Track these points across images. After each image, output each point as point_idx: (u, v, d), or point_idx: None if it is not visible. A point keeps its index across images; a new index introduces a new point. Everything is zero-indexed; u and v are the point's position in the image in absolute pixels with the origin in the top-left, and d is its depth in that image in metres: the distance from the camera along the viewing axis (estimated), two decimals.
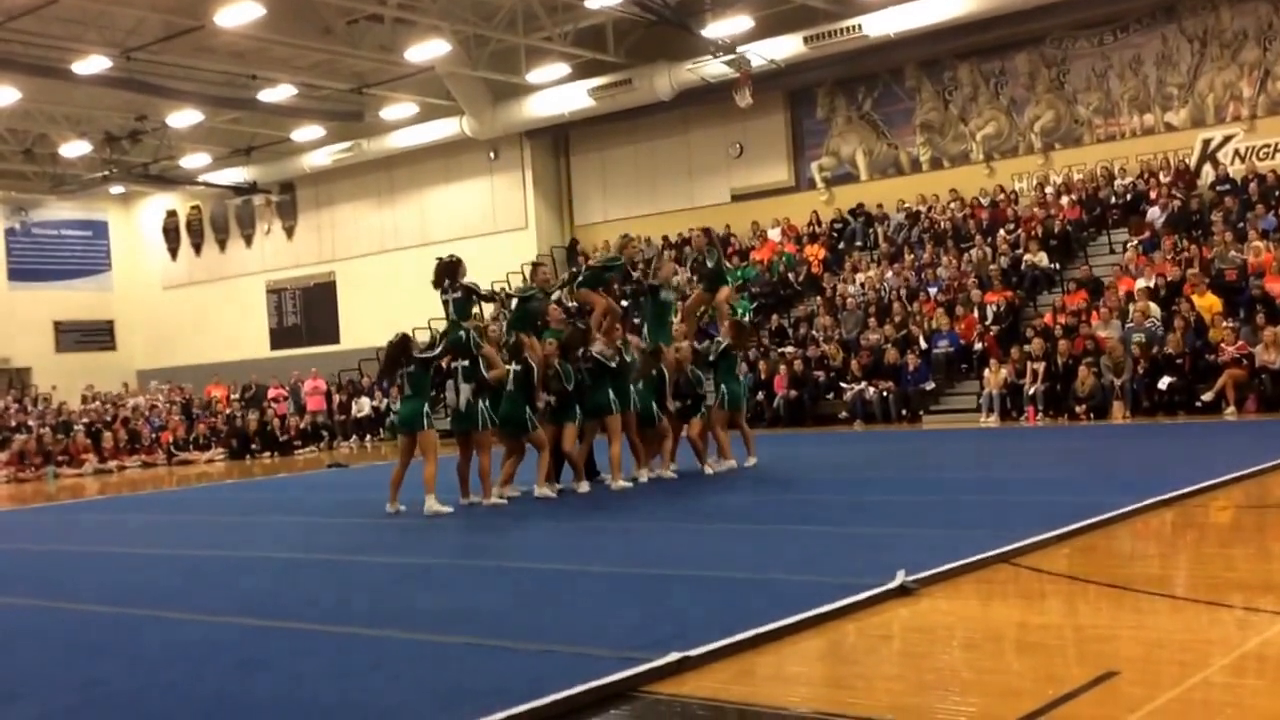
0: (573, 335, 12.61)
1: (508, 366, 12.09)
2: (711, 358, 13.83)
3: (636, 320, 14.89)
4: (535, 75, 27.08)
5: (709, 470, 13.39)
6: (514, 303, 13.49)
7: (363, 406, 29.08)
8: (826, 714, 4.69)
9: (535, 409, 12.20)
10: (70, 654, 6.51)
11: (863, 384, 21.94)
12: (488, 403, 11.96)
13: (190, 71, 26.67)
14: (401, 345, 11.87)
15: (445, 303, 12.38)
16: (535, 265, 13.94)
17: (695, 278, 14.46)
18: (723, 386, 13.69)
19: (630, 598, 7.11)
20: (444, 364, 12.49)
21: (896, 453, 16.68)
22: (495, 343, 12.60)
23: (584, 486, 12.60)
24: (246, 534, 12.04)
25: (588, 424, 12.77)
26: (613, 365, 12.54)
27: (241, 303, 36.96)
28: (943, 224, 25.36)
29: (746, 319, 20.98)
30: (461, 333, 11.97)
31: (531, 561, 8.81)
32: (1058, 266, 22.90)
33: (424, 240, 31.55)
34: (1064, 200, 24.12)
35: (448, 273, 12.33)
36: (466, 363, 11.78)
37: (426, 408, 11.72)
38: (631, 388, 12.78)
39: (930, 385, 21.57)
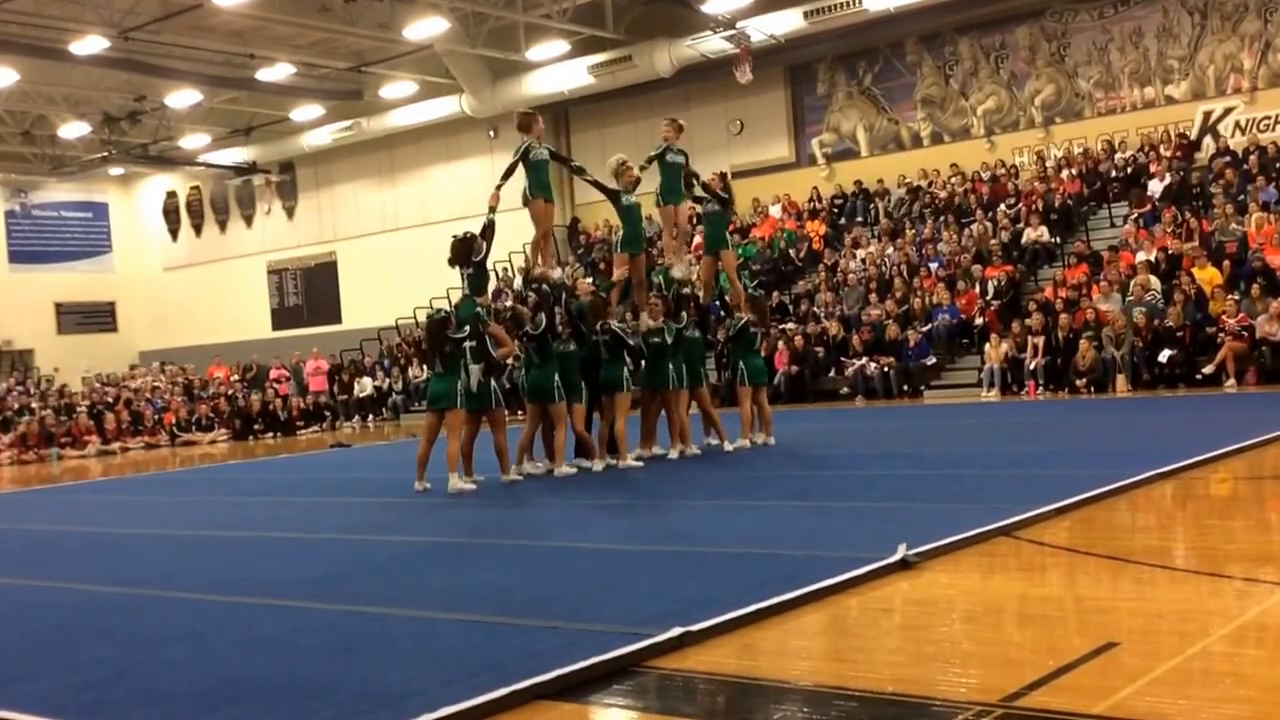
0: (594, 305, 12.63)
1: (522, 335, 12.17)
2: (731, 334, 13.85)
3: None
4: (534, 53, 27.00)
5: (728, 446, 13.45)
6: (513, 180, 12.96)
7: (365, 386, 29.13)
8: (828, 687, 4.71)
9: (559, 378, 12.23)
10: (75, 634, 6.53)
11: (864, 359, 21.97)
12: (509, 379, 12.05)
13: (188, 51, 26.62)
14: (444, 324, 11.80)
15: (463, 278, 12.37)
16: (523, 115, 13.41)
17: (705, 205, 14.38)
18: (740, 363, 13.71)
19: (633, 573, 7.14)
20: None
21: (897, 428, 16.69)
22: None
23: (599, 464, 12.61)
24: (249, 514, 12.06)
25: (604, 400, 12.77)
26: (631, 342, 12.56)
27: (242, 283, 36.96)
28: (943, 199, 25.32)
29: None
30: (479, 309, 11.92)
31: (535, 539, 8.83)
32: (1058, 240, 22.89)
33: (425, 220, 31.62)
34: (1064, 174, 24.10)
35: (464, 250, 12.29)
36: (474, 342, 11.75)
37: (460, 386, 11.63)
38: (670, 365, 12.81)
39: (931, 360, 21.59)
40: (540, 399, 12.35)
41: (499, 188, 12.50)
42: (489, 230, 12.49)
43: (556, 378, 12.21)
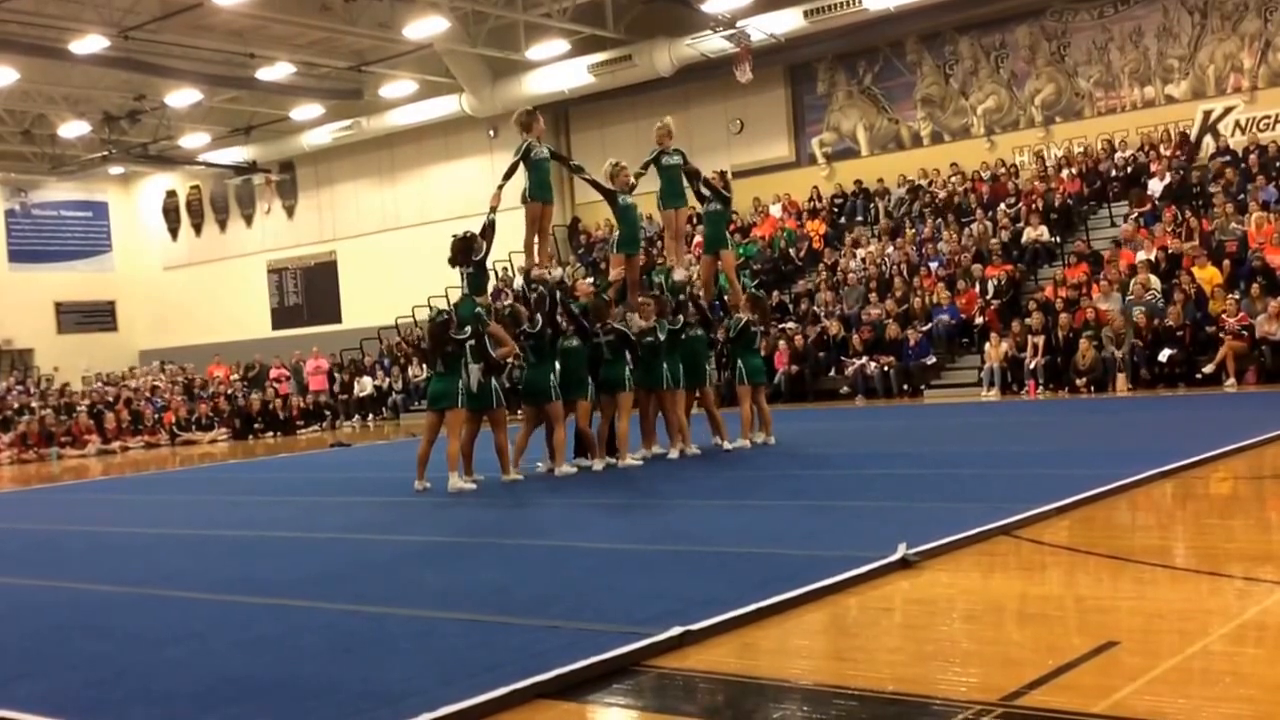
0: (596, 306, 12.63)
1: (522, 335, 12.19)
2: (731, 334, 13.86)
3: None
4: (534, 52, 27.01)
5: (727, 446, 13.45)
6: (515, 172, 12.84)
7: (365, 386, 29.13)
8: (828, 686, 4.72)
9: (555, 377, 12.26)
10: (75, 633, 6.53)
11: (864, 359, 21.96)
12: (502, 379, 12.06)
13: (188, 50, 26.61)
14: (446, 326, 11.79)
15: (463, 278, 12.38)
16: (524, 114, 13.33)
17: (705, 205, 14.44)
18: (740, 363, 13.72)
19: (633, 573, 7.14)
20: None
21: (897, 427, 16.70)
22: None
23: (599, 464, 12.60)
24: (250, 513, 12.06)
25: (604, 399, 12.76)
26: (632, 339, 12.58)
27: (242, 283, 36.96)
28: (943, 198, 25.32)
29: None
30: (479, 309, 11.91)
31: (535, 538, 8.84)
32: (1058, 240, 22.89)
33: (424, 219, 31.63)
34: (1064, 173, 24.10)
35: (464, 249, 12.28)
36: (474, 341, 11.74)
37: (461, 385, 11.61)
38: (665, 365, 12.84)
39: (931, 360, 21.59)
40: (536, 399, 12.36)
41: (500, 188, 12.49)
42: (489, 230, 12.48)
43: (552, 377, 12.23)
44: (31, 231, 36.94)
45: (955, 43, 26.08)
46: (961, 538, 7.11)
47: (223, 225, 37.77)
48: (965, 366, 21.68)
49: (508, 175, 12.67)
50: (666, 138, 13.69)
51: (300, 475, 16.75)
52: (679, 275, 13.63)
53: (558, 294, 12.60)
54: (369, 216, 34.12)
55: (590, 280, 15.05)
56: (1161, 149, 23.24)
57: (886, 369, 21.62)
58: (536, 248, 13.07)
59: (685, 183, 14.00)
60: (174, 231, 38.74)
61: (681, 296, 13.43)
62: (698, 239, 20.46)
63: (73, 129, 31.23)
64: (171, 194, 38.57)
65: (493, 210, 12.50)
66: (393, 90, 29.98)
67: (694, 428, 13.63)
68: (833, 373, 22.52)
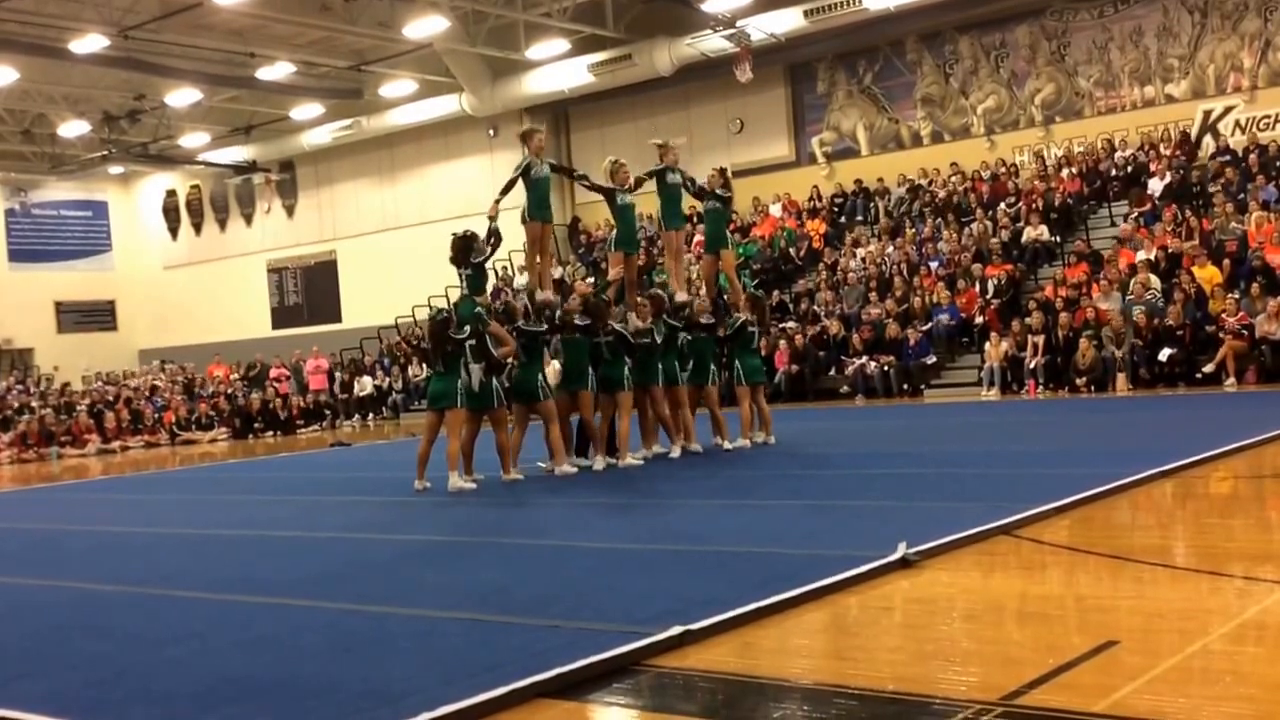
0: (596, 307, 12.64)
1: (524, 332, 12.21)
2: (728, 333, 13.87)
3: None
4: (534, 51, 26.99)
5: (727, 445, 13.44)
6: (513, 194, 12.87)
7: (365, 385, 29.13)
8: (828, 686, 4.72)
9: (545, 376, 12.28)
10: (75, 633, 6.53)
11: (864, 358, 21.97)
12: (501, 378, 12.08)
13: (188, 50, 26.60)
14: (446, 324, 11.80)
15: (461, 278, 12.38)
16: (525, 130, 13.36)
17: (706, 202, 14.47)
18: (737, 362, 13.72)
19: (633, 572, 7.14)
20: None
21: (897, 426, 16.70)
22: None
23: (600, 463, 12.60)
24: (249, 513, 12.05)
25: (604, 399, 12.75)
26: (631, 340, 12.58)
27: (243, 282, 36.95)
28: (943, 197, 25.31)
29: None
30: (479, 308, 11.91)
31: (535, 538, 8.83)
32: (1058, 239, 22.88)
33: (424, 218, 31.62)
34: (1064, 173, 24.10)
35: (464, 249, 12.28)
36: (475, 341, 11.73)
37: (460, 385, 11.62)
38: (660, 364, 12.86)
39: (931, 359, 21.59)
40: (524, 398, 12.35)
41: (497, 201, 12.48)
42: (494, 238, 12.50)
43: (540, 377, 12.23)
44: (31, 231, 36.93)
45: (955, 42, 26.08)
46: (961, 537, 7.11)
47: (223, 225, 37.77)
48: (965, 366, 21.69)
49: (505, 190, 12.61)
50: (674, 156, 13.73)
51: (300, 475, 16.75)
52: (682, 298, 13.63)
53: (559, 313, 12.57)
54: (369, 216, 34.12)
55: (590, 280, 15.04)
56: (1161, 148, 23.24)
57: (886, 369, 21.62)
58: (540, 268, 13.03)
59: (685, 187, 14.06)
60: (174, 231, 38.74)
61: (686, 312, 13.46)
62: (698, 238, 20.49)
63: (73, 129, 31.22)
64: (171, 193, 38.57)
65: (492, 220, 12.50)
66: (393, 90, 29.98)
67: (695, 427, 13.61)
68: (833, 372, 22.52)
